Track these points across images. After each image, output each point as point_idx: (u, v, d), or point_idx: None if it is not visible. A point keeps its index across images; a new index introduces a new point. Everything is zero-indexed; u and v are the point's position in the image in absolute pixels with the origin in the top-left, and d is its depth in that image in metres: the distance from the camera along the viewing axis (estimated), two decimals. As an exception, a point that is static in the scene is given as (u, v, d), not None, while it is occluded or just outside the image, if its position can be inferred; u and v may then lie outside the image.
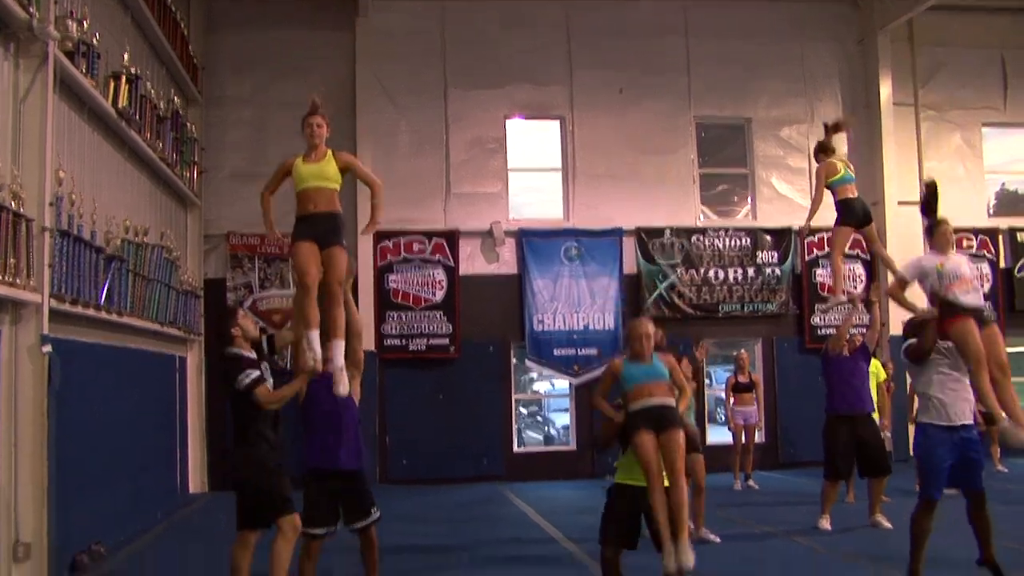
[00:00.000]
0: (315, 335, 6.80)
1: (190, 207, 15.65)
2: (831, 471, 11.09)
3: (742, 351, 15.76)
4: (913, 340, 7.60)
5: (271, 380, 7.00)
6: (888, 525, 10.67)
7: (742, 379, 15.14)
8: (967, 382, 7.35)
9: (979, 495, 7.36)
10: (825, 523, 10.90)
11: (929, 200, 8.14)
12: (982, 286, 18.11)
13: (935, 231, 7.76)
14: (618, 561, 7.03)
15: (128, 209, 11.64)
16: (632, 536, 7.04)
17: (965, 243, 18.30)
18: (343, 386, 6.92)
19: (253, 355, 7.00)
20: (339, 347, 6.95)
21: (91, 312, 9.81)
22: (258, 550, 7.04)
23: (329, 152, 7.14)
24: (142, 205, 12.63)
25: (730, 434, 15.33)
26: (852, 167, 10.80)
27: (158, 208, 13.61)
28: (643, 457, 6.49)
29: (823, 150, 10.92)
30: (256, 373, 6.82)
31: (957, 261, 7.63)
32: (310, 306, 6.85)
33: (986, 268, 18.36)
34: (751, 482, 14.95)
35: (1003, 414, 7.28)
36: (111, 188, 11.19)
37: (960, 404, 7.37)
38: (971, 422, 7.43)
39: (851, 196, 10.76)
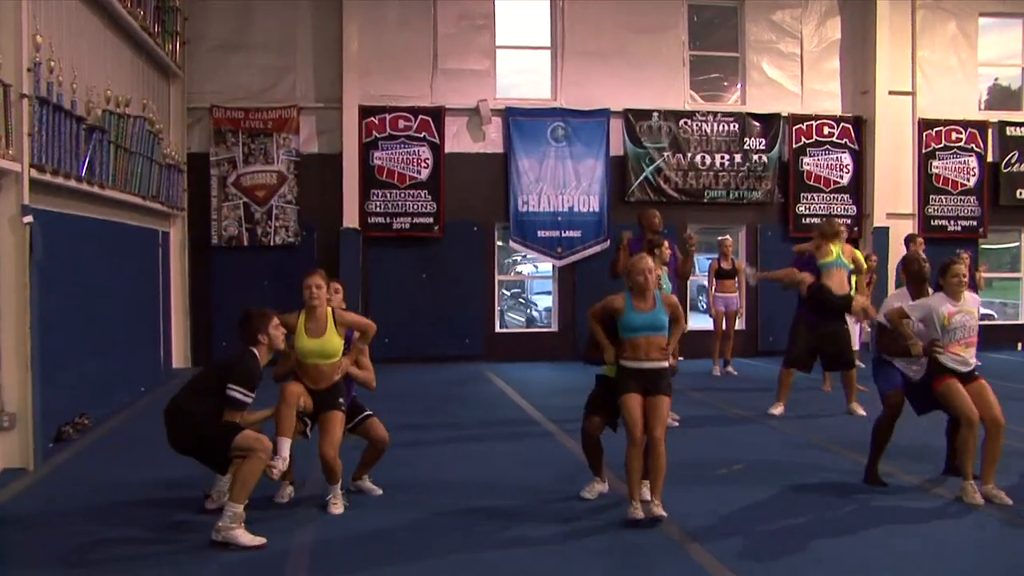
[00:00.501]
0: (287, 442, 6.75)
1: (172, 79, 15.30)
2: (786, 358, 11.47)
3: (726, 237, 15.74)
4: (886, 324, 7.61)
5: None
6: (862, 413, 10.88)
7: (725, 265, 15.17)
8: None
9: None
10: (775, 410, 11.20)
11: None
12: (969, 180, 18.24)
13: (946, 273, 7.32)
14: (598, 436, 7.17)
15: (109, 79, 11.37)
16: (613, 417, 7.14)
17: (954, 135, 18.22)
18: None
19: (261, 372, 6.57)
20: (336, 493, 7.07)
21: (72, 183, 9.69)
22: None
23: (330, 319, 7.01)
24: (123, 76, 12.34)
25: (711, 320, 15.47)
26: (847, 254, 11.13)
27: (139, 79, 13.31)
28: (628, 419, 6.58)
29: (825, 236, 11.18)
30: (249, 399, 6.38)
31: (967, 313, 7.30)
32: (288, 416, 6.82)
33: (974, 162, 18.32)
34: (730, 368, 15.13)
35: (970, 475, 7.18)
36: (91, 57, 10.91)
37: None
38: None
39: (829, 284, 10.89)
